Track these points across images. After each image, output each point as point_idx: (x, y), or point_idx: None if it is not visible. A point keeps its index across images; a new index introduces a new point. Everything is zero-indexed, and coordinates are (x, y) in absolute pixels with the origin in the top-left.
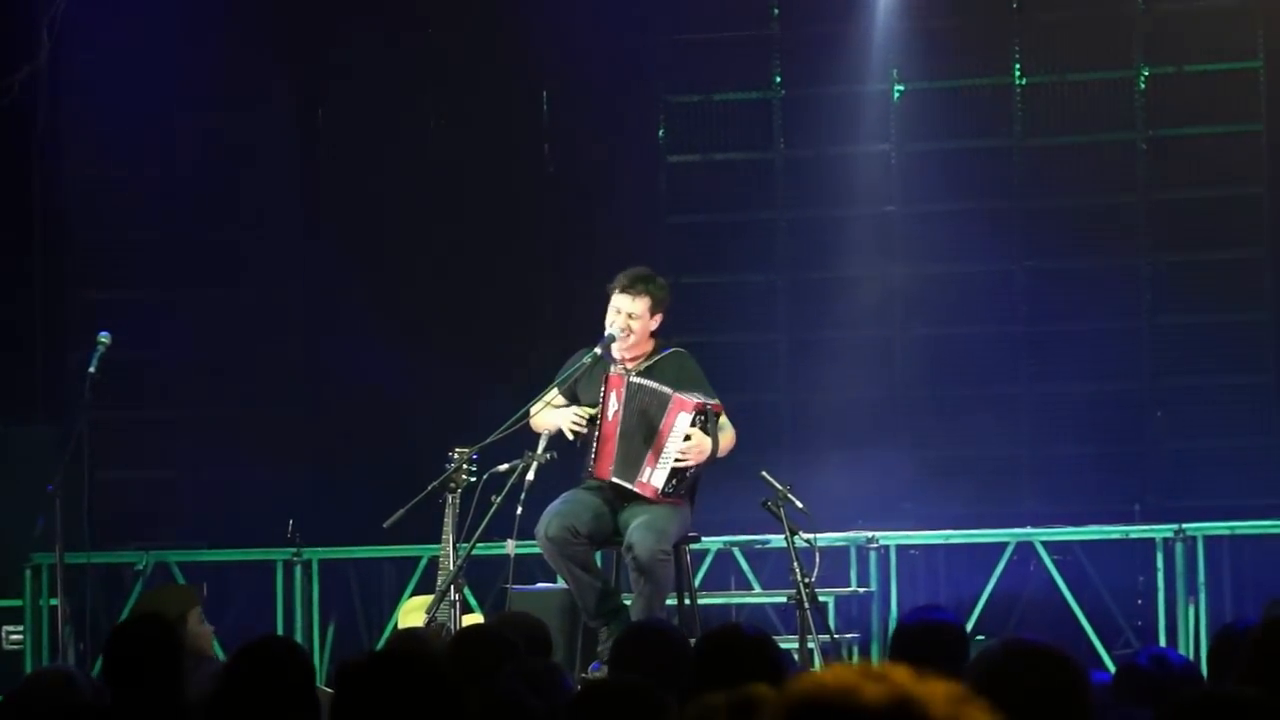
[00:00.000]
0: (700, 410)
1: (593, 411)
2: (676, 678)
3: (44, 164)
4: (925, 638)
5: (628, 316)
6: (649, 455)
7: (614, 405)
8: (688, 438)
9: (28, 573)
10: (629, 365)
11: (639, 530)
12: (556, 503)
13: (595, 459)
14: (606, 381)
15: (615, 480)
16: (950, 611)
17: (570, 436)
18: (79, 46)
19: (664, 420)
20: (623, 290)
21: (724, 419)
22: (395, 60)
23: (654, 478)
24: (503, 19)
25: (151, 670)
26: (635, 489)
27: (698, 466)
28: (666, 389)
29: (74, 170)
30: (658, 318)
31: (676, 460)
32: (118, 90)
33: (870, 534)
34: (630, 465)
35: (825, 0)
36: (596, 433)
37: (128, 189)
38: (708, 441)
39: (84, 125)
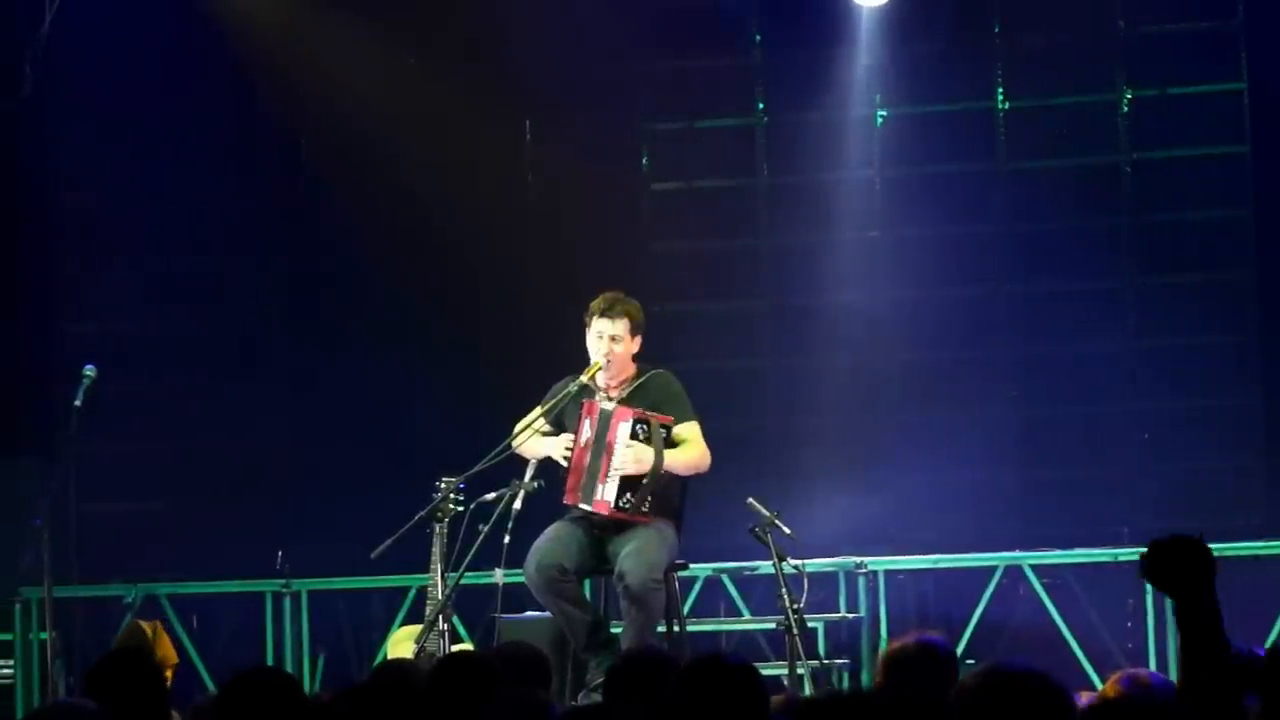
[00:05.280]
0: (640, 420)
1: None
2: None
3: (29, 197)
4: (917, 661)
5: (611, 340)
6: (600, 473)
7: (586, 432)
8: (629, 447)
9: (17, 607)
10: (613, 391)
11: (630, 559)
12: (541, 539)
13: (566, 486)
14: (583, 408)
15: (582, 506)
16: (941, 636)
17: (565, 464)
18: (63, 78)
19: (609, 436)
20: (602, 314)
21: (694, 436)
22: (378, 90)
23: (605, 493)
24: (485, 48)
25: (137, 705)
26: (591, 509)
27: (648, 480)
28: (611, 406)
29: (60, 203)
30: (638, 339)
31: (620, 470)
32: (102, 123)
33: (858, 559)
34: (589, 488)
35: (808, 26)
36: (570, 459)
37: (114, 222)
38: (647, 451)
39: (69, 158)
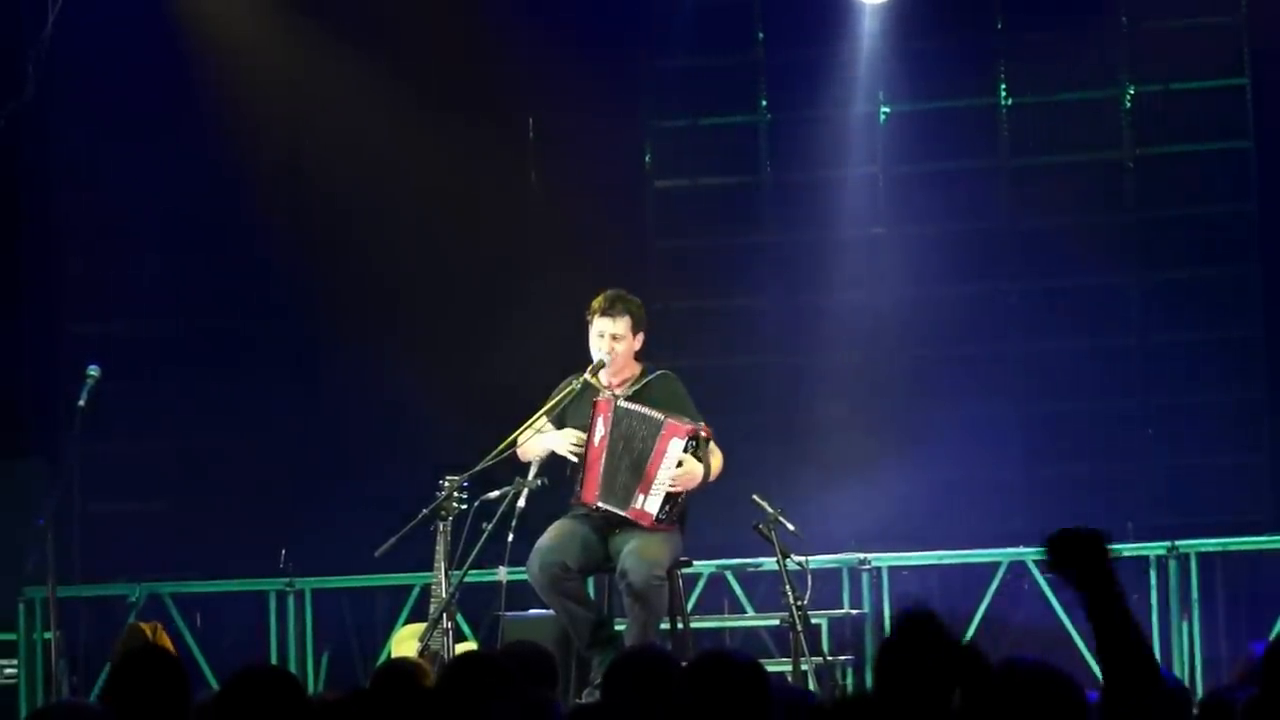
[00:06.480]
0: (693, 436)
1: (585, 436)
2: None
3: (32, 197)
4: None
5: (612, 338)
6: (641, 482)
7: (601, 430)
8: (680, 464)
9: (21, 607)
10: (617, 389)
11: (632, 557)
12: (545, 537)
13: (581, 484)
14: (595, 407)
15: (602, 505)
16: None
17: (574, 459)
18: (66, 80)
19: (656, 446)
20: (603, 313)
21: (712, 443)
22: (379, 88)
23: (648, 504)
24: (488, 45)
25: (158, 703)
26: (629, 516)
27: (686, 494)
28: (659, 415)
29: (63, 204)
30: (639, 337)
31: (670, 487)
32: (104, 124)
33: (862, 556)
34: (617, 490)
35: (810, 23)
36: (583, 458)
37: (119, 223)
38: (699, 467)
39: (71, 159)
